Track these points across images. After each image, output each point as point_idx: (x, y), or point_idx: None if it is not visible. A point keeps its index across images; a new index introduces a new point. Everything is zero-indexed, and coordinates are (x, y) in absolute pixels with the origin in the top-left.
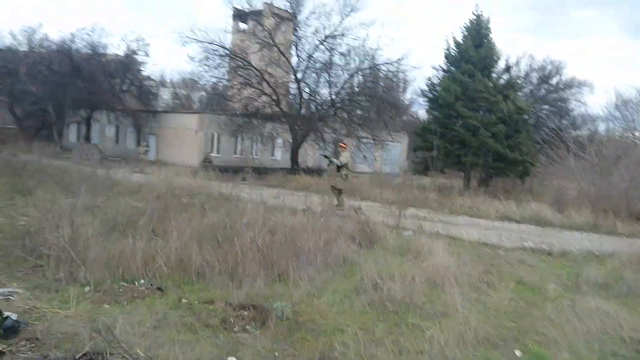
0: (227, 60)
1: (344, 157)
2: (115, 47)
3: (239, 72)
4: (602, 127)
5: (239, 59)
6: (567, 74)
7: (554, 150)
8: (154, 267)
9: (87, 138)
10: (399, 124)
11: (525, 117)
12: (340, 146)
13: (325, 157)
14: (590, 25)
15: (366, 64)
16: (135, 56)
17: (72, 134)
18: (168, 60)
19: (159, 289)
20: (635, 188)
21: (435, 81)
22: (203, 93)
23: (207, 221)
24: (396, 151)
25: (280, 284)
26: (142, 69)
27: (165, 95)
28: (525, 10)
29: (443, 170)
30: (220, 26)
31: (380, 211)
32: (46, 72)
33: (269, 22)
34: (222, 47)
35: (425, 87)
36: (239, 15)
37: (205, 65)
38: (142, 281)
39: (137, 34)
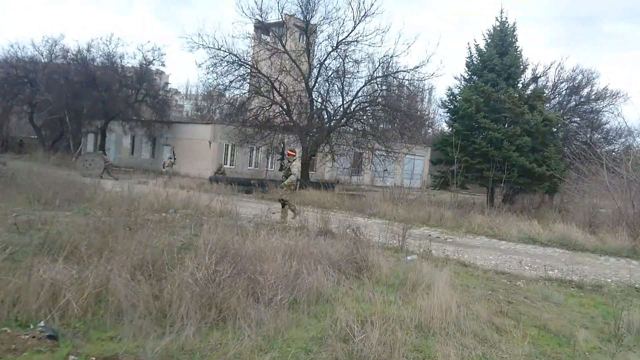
0: (237, 67)
1: (295, 166)
2: (132, 57)
3: (248, 80)
4: (638, 141)
5: (248, 66)
6: (599, 84)
7: (585, 165)
8: (65, 304)
9: (102, 148)
10: (418, 136)
11: (553, 129)
12: (289, 154)
13: (281, 165)
14: (622, 39)
15: (381, 72)
16: (151, 66)
17: (89, 144)
18: (193, 71)
19: (51, 337)
20: None
21: (456, 91)
22: (223, 104)
23: (157, 243)
24: (418, 165)
25: (219, 331)
26: (157, 78)
27: (187, 106)
28: (553, 23)
29: (464, 186)
30: (228, 32)
31: (386, 230)
32: (63, 82)
33: (284, 30)
34: (230, 53)
35: (445, 98)
36: (260, 28)
37: (213, 72)
38: (41, 324)
39: (152, 44)
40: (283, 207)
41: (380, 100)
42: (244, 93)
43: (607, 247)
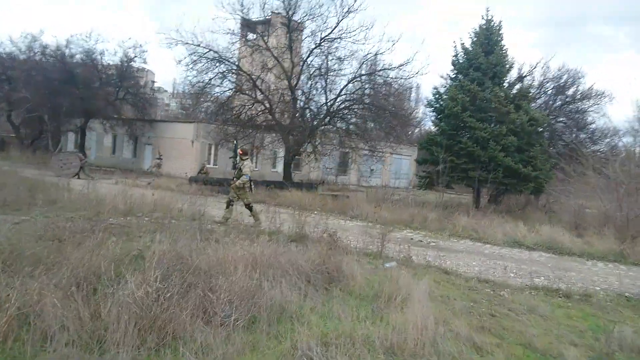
0: (217, 65)
1: (246, 166)
2: (112, 54)
3: (228, 78)
4: (623, 141)
5: (229, 64)
6: (585, 84)
7: (571, 165)
8: None
9: (82, 147)
10: (403, 135)
11: (539, 129)
12: (240, 153)
13: (234, 164)
14: (606, 41)
15: (365, 70)
16: (133, 63)
17: (70, 142)
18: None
19: None
20: None
21: (442, 90)
22: (204, 103)
23: (109, 252)
24: (405, 165)
25: (158, 357)
26: (141, 76)
27: (173, 104)
28: (539, 26)
29: (450, 186)
30: (208, 27)
31: (367, 233)
32: (41, 79)
33: (270, 29)
34: (210, 49)
35: (431, 97)
36: (246, 26)
37: (193, 69)
38: None
39: (134, 41)
40: (227, 207)
41: (364, 98)
42: (225, 91)
43: (595, 251)
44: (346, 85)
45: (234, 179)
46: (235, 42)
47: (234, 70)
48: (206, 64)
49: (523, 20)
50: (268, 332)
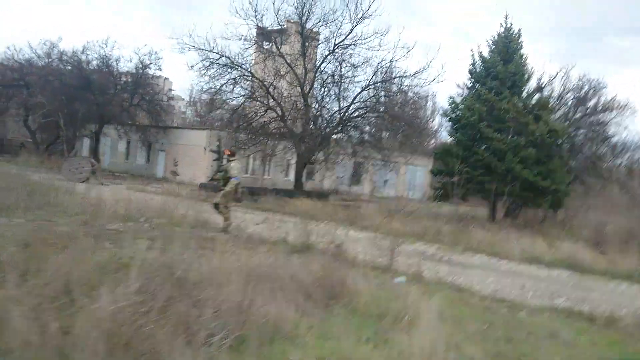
0: (229, 70)
1: (234, 168)
2: (128, 61)
3: (240, 84)
4: None
5: (241, 70)
6: (607, 95)
7: (592, 179)
8: None
9: (96, 152)
10: (418, 145)
11: (559, 141)
12: (226, 153)
13: (218, 167)
14: (625, 53)
15: (379, 77)
16: (148, 70)
17: (84, 148)
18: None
19: None
20: None
21: (459, 100)
22: (215, 110)
23: (92, 261)
24: (420, 176)
25: None
26: (157, 83)
27: (189, 112)
28: (558, 37)
29: (465, 198)
30: (220, 33)
31: (376, 246)
32: (58, 84)
33: (285, 37)
34: (222, 55)
35: (447, 107)
36: (262, 34)
37: (205, 75)
38: None
39: (149, 48)
40: (219, 211)
41: (378, 106)
42: (237, 97)
43: (618, 271)
44: (360, 92)
45: (219, 181)
46: (248, 48)
47: (246, 77)
48: (218, 70)
49: (540, 31)
50: (258, 354)
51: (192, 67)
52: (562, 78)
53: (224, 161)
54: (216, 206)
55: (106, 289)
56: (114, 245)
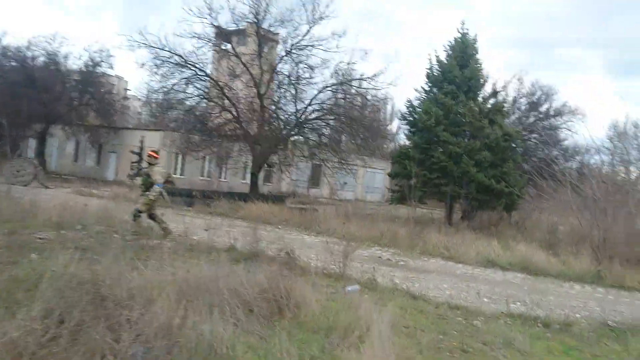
0: (182, 70)
1: (157, 172)
2: (77, 58)
3: (194, 84)
4: (595, 159)
5: (194, 69)
6: (558, 101)
7: (545, 182)
8: None
9: (41, 154)
10: (375, 148)
11: (513, 145)
12: (150, 155)
13: (138, 171)
14: (575, 62)
15: (336, 79)
16: (98, 68)
17: (30, 149)
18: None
19: None
20: None
21: (416, 103)
22: (177, 112)
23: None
24: (379, 179)
25: None
26: (112, 82)
27: (145, 113)
28: (509, 47)
29: (422, 201)
30: (172, 30)
31: (331, 251)
32: (0, 82)
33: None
34: (174, 53)
35: (405, 110)
36: (220, 35)
37: (156, 74)
38: None
39: (100, 45)
40: (155, 220)
41: (335, 109)
42: (191, 97)
43: (571, 272)
44: (317, 94)
45: (141, 186)
46: (202, 47)
47: (200, 76)
48: (170, 69)
49: (494, 42)
50: None
51: (142, 65)
52: (515, 84)
53: (144, 164)
54: (136, 215)
55: (6, 311)
56: (40, 256)
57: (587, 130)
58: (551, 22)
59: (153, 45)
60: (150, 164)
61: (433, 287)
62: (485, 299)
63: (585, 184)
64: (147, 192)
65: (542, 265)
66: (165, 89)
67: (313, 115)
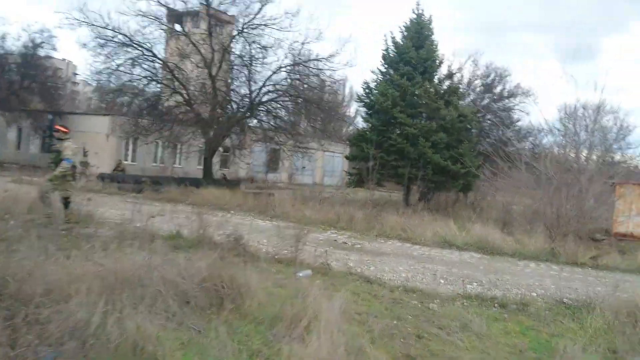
0: (127, 49)
1: (68, 147)
2: (16, 39)
3: (142, 65)
4: (547, 140)
5: (141, 49)
6: (512, 83)
7: (500, 162)
8: None
9: None
10: (331, 131)
11: (468, 126)
12: (58, 130)
13: (49, 146)
14: (526, 46)
15: (291, 60)
16: (39, 50)
17: None
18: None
19: None
20: (596, 208)
21: (373, 85)
22: (126, 97)
23: None
24: (338, 162)
25: None
26: (47, 64)
27: (95, 97)
28: (464, 31)
29: (381, 183)
30: (115, 8)
31: (284, 236)
32: None
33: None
34: (118, 32)
35: (362, 92)
36: (174, 16)
37: (100, 54)
38: None
39: (41, 25)
40: (66, 206)
41: (291, 90)
42: (138, 79)
43: (526, 251)
44: (271, 75)
45: (52, 164)
46: (147, 25)
47: (147, 57)
48: (115, 49)
49: (449, 25)
50: None
51: (84, 45)
52: (470, 65)
53: (55, 141)
54: (43, 197)
55: None
56: None
57: (540, 112)
58: (504, 7)
59: (95, 23)
60: (59, 139)
61: (389, 270)
62: (442, 281)
63: (538, 164)
64: (57, 172)
65: (498, 244)
66: (109, 70)
67: (267, 97)
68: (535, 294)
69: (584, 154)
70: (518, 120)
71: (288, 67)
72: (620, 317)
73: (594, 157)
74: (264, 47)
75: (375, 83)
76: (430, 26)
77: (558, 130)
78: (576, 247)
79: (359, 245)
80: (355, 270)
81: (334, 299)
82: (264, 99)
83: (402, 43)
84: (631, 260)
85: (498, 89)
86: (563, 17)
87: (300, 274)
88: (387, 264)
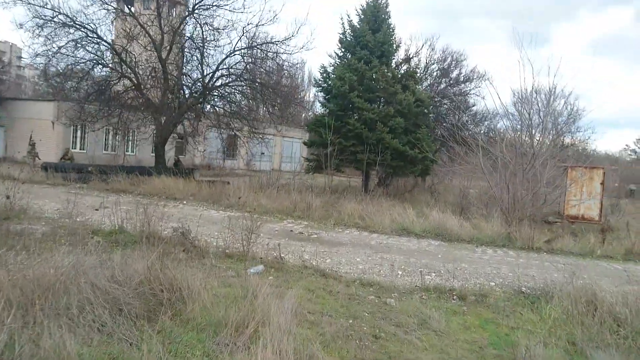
0: (69, 30)
1: None
2: None
3: (86, 47)
4: (502, 124)
5: (84, 30)
6: (468, 67)
7: (457, 147)
8: None
9: None
10: (289, 116)
11: (425, 110)
12: None
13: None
14: (482, 32)
15: (245, 43)
16: None
17: None
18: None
19: None
20: (550, 191)
21: (330, 69)
22: (72, 82)
23: None
24: (297, 148)
25: None
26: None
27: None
28: (421, 16)
29: (340, 169)
30: None
31: (236, 227)
32: None
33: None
34: (59, 12)
35: (319, 76)
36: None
37: (39, 35)
38: None
39: None
40: None
41: (246, 74)
42: (82, 62)
43: (483, 236)
44: (224, 59)
45: None
46: (91, 5)
47: (91, 38)
48: (55, 30)
49: (406, 10)
50: None
51: (20, 25)
52: (427, 51)
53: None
54: None
55: None
56: None
57: (495, 97)
58: None
59: (32, 2)
60: None
61: (345, 262)
62: (400, 272)
63: (494, 149)
64: None
65: (456, 230)
66: (50, 53)
67: (221, 82)
68: (493, 284)
69: (537, 138)
70: (474, 105)
71: (243, 51)
72: (578, 307)
73: (547, 141)
74: (217, 29)
75: (333, 67)
76: (387, 9)
77: (512, 115)
78: (531, 231)
79: (315, 236)
80: (311, 264)
81: (286, 298)
82: (218, 83)
83: (358, 26)
84: (583, 243)
85: (454, 74)
86: (517, 3)
87: (252, 270)
88: (344, 255)
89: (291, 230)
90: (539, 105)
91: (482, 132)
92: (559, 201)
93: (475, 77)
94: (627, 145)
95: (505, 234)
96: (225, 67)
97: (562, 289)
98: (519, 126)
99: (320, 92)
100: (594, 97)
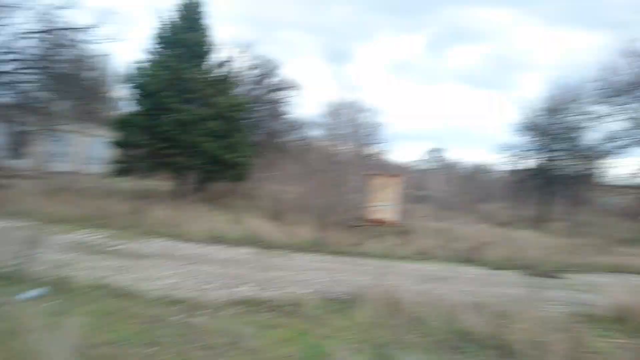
0: None
1: None
2: None
3: None
4: (315, 133)
5: None
6: (281, 77)
7: (272, 152)
8: None
9: None
10: (96, 112)
11: (242, 115)
12: None
13: None
14: (297, 44)
15: (38, 25)
16: None
17: None
18: None
19: None
20: (355, 197)
21: (144, 66)
22: None
23: None
24: (102, 148)
25: None
26: None
27: None
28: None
29: (152, 173)
30: None
31: (17, 240)
32: None
33: None
34: None
35: (130, 72)
36: None
37: None
38: None
39: None
40: None
41: (39, 62)
42: None
43: (298, 242)
44: (11, 41)
45: None
46: None
47: None
48: None
49: (226, 16)
50: None
51: None
52: (242, 57)
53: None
54: None
55: None
56: None
57: (308, 107)
58: (279, 4)
59: None
60: None
61: (150, 277)
62: (211, 285)
63: (307, 155)
64: None
65: (270, 237)
66: None
67: (8, 68)
68: (308, 291)
69: (344, 147)
70: (287, 113)
71: (35, 34)
72: (382, 310)
73: (352, 150)
74: (2, 7)
75: (146, 64)
76: (199, 10)
77: (322, 124)
78: (340, 235)
79: (118, 247)
80: (107, 281)
81: (67, 330)
82: (3, 68)
83: (173, 24)
84: (385, 245)
85: (268, 81)
86: (327, 20)
87: (26, 295)
88: (151, 268)
89: (89, 242)
90: (345, 117)
91: (295, 139)
92: (362, 206)
93: (286, 86)
94: (421, 155)
95: (318, 239)
96: (12, 50)
97: (367, 293)
98: (328, 135)
99: (134, 88)
100: (395, 111)
